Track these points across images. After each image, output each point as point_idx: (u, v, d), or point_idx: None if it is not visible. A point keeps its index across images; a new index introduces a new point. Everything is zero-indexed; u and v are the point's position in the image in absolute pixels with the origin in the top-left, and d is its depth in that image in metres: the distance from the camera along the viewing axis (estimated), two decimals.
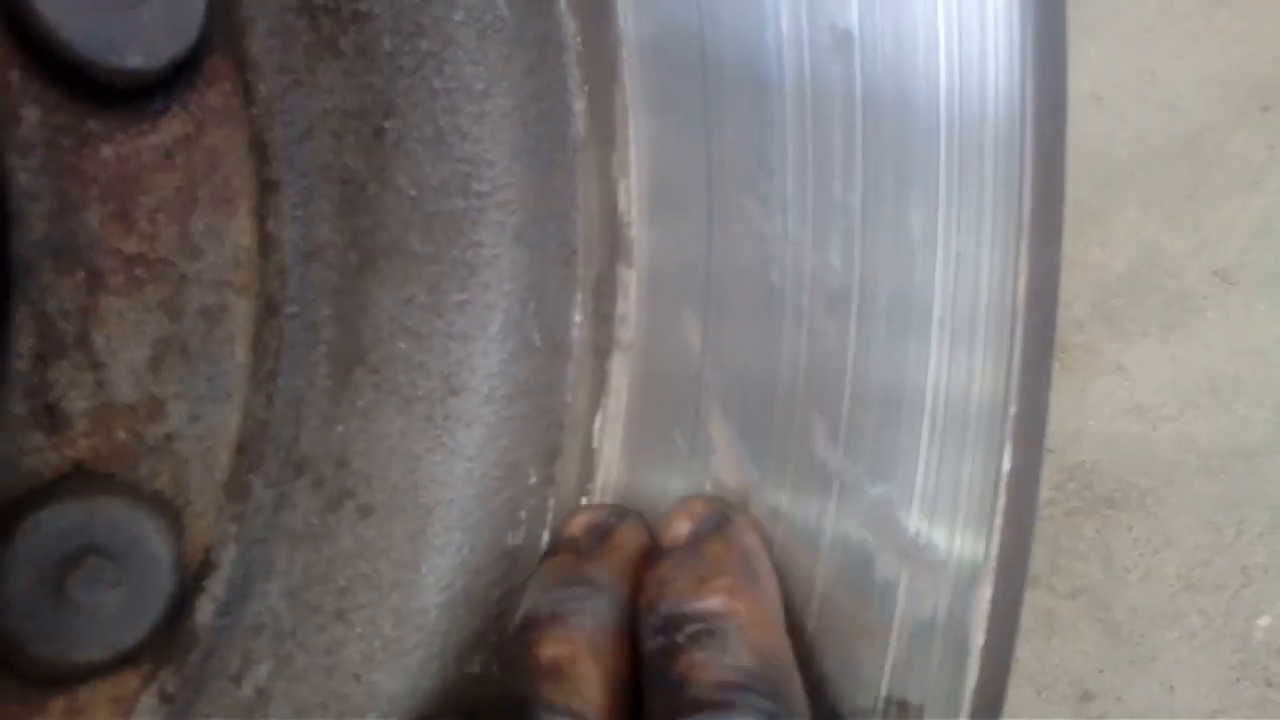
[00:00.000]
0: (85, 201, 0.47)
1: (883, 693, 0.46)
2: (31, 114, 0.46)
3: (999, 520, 0.44)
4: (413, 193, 0.54)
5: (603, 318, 0.58)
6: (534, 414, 0.57)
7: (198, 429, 0.51)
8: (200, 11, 0.46)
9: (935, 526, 0.46)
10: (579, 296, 0.57)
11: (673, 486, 0.55)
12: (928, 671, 0.45)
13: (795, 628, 0.49)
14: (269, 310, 0.53)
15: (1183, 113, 1.98)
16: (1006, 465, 0.44)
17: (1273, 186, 1.91)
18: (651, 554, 0.52)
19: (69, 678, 0.48)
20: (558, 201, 0.56)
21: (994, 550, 0.44)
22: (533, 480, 0.57)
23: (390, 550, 0.54)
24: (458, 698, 0.54)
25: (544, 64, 0.56)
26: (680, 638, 0.43)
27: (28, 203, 0.46)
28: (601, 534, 0.54)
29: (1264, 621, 1.37)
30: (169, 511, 0.50)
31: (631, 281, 0.57)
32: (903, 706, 0.45)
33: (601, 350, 0.58)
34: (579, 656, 0.45)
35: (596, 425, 0.58)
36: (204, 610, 0.51)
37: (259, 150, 0.52)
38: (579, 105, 0.56)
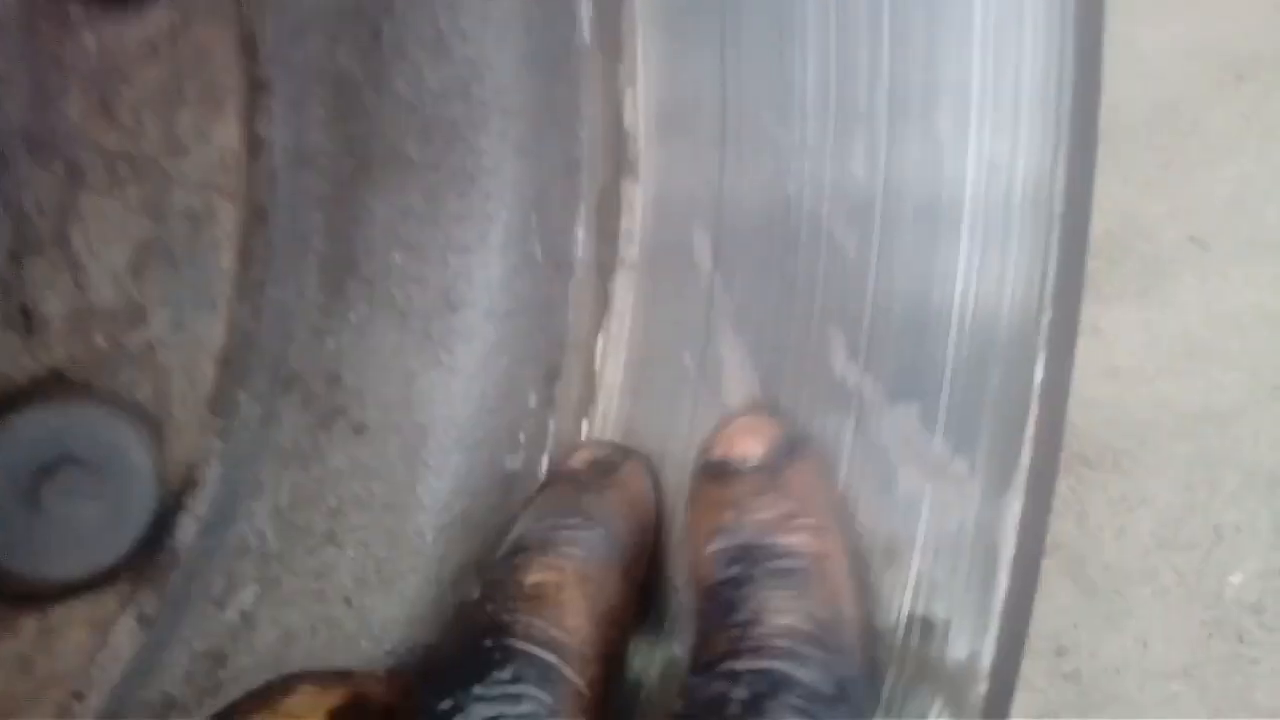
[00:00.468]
0: (65, 91, 0.44)
1: (905, 611, 0.44)
2: None
3: (1030, 430, 0.42)
4: (411, 98, 0.51)
5: (607, 235, 0.56)
6: (535, 332, 0.55)
7: (181, 338, 0.49)
8: None
9: (962, 441, 0.44)
10: (582, 211, 0.55)
11: (679, 411, 0.53)
12: (954, 587, 0.43)
13: None
14: (257, 217, 0.50)
15: (1160, 82, 1.98)
16: (1039, 376, 0.43)
17: (1248, 156, 1.91)
18: (650, 501, 0.50)
19: (43, 596, 0.45)
20: (561, 112, 0.54)
21: (1025, 462, 0.42)
22: (532, 402, 0.55)
23: (384, 470, 0.52)
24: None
25: None
26: (758, 571, 0.40)
27: (4, 89, 0.43)
28: (603, 470, 0.51)
29: (1236, 579, 1.38)
30: (150, 424, 0.47)
31: (637, 198, 0.55)
32: (927, 623, 0.44)
33: (605, 269, 0.56)
34: (566, 584, 0.43)
35: (599, 347, 0.56)
36: (186, 530, 0.49)
37: (248, 48, 0.49)
38: (586, 12, 0.53)
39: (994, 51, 0.43)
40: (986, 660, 0.43)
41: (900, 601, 0.45)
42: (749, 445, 0.46)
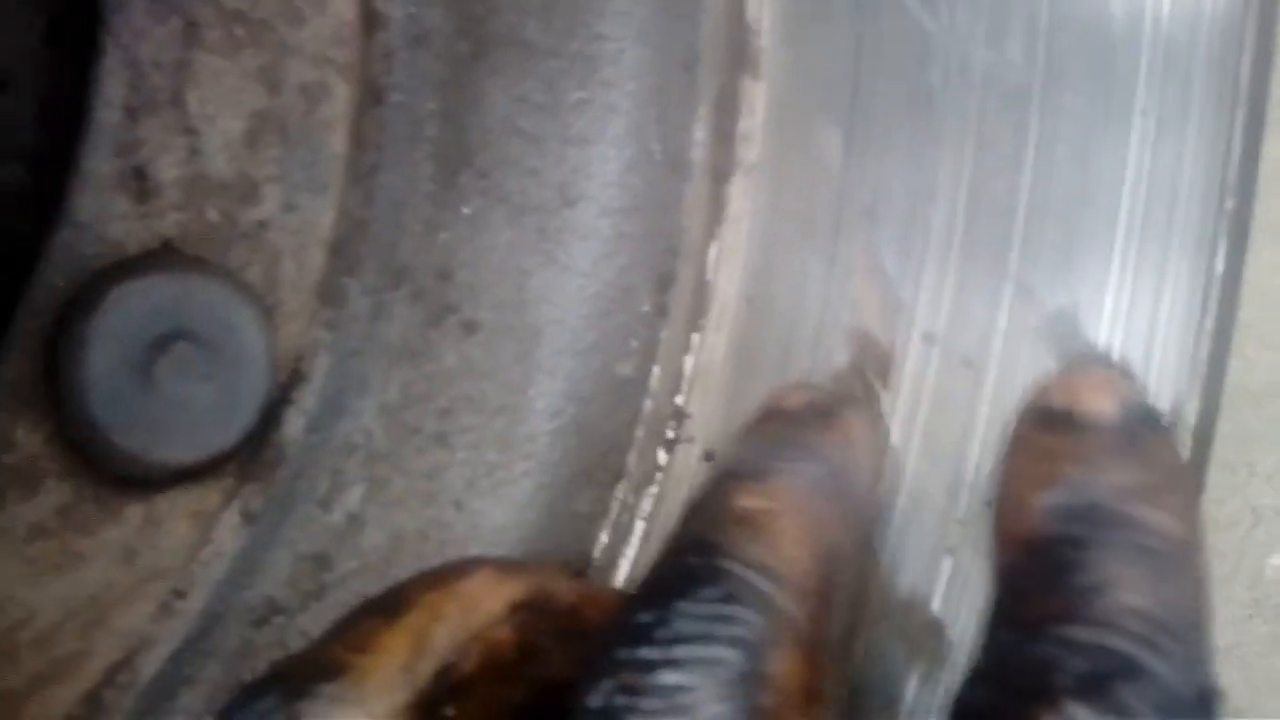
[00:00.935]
0: None
1: None
2: None
3: (1210, 324, 0.40)
4: None
5: (723, 137, 0.53)
6: (650, 234, 0.52)
7: (292, 220, 0.46)
8: None
9: (1130, 338, 0.42)
10: (701, 111, 0.52)
11: (803, 320, 0.51)
12: None
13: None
14: (371, 97, 0.47)
15: None
16: (1220, 267, 0.40)
17: None
18: (878, 452, 0.44)
19: (149, 479, 0.43)
20: None
21: (1202, 360, 0.40)
22: (645, 308, 0.52)
23: (496, 371, 0.49)
24: (567, 537, 0.50)
25: None
26: (1111, 538, 0.34)
27: None
28: (822, 413, 0.46)
29: (1276, 560, 1.36)
30: (262, 306, 0.45)
31: (758, 96, 0.52)
32: None
33: (721, 173, 0.53)
34: (781, 513, 0.39)
35: (712, 255, 0.54)
36: (293, 424, 0.46)
37: None
38: None
39: None
40: None
41: None
42: (1101, 401, 0.39)
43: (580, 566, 0.50)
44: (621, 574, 0.51)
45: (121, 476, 0.42)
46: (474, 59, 0.49)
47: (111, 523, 0.42)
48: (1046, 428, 0.38)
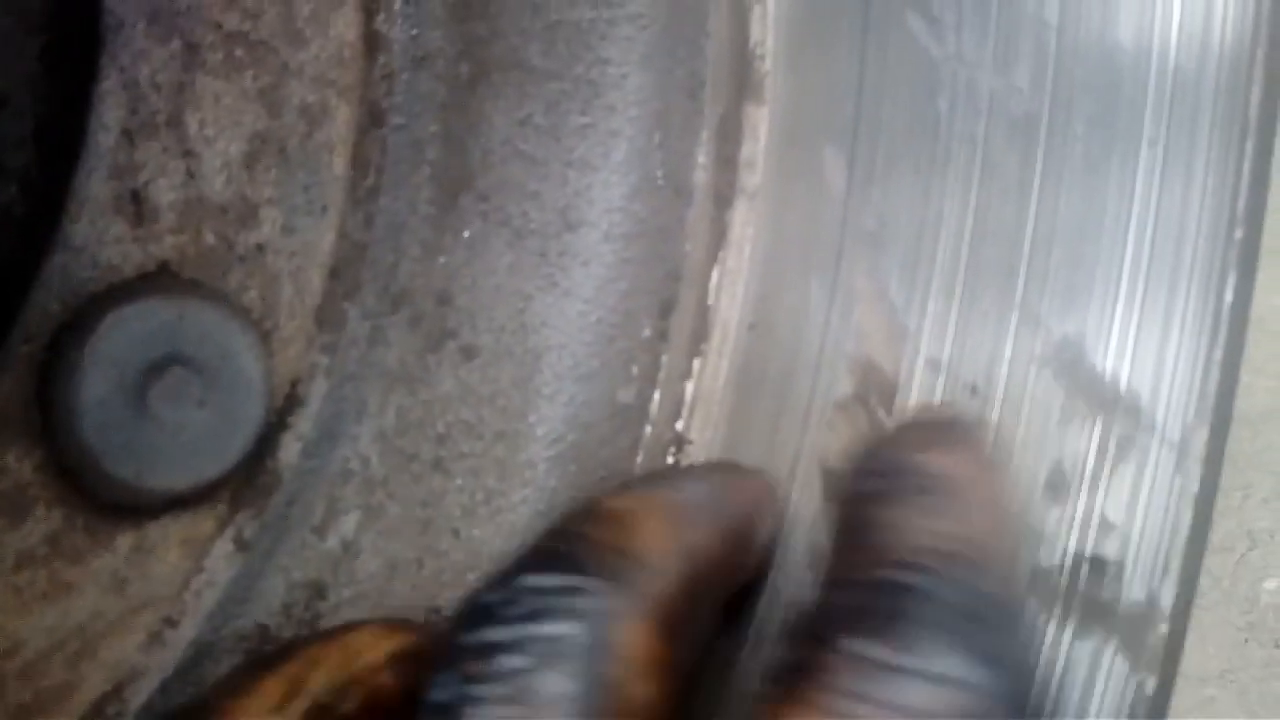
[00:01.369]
0: None
1: (1072, 549, 0.41)
2: None
3: (1219, 354, 0.40)
4: None
5: (727, 162, 0.53)
6: (652, 259, 0.51)
7: (291, 243, 0.45)
8: None
9: (1140, 366, 0.41)
10: (704, 136, 0.52)
11: (805, 344, 0.50)
12: (1130, 526, 0.40)
13: None
14: (372, 119, 0.47)
15: None
16: (1229, 297, 0.40)
17: (1275, 162, 1.90)
18: (766, 489, 0.47)
19: (141, 506, 0.42)
20: (688, 24, 0.51)
21: (1212, 388, 0.40)
22: (647, 333, 0.52)
23: (495, 397, 0.49)
24: None
25: None
26: (893, 488, 0.37)
27: None
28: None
29: (1271, 585, 1.36)
30: (258, 331, 0.44)
31: (761, 122, 0.52)
32: (1097, 563, 0.41)
33: (723, 198, 0.53)
34: (650, 513, 0.39)
35: (714, 280, 0.53)
36: (288, 450, 0.45)
37: None
38: None
39: None
40: (1168, 602, 0.40)
41: (1067, 540, 0.42)
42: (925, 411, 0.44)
43: None
44: None
45: (113, 504, 0.41)
46: (476, 82, 0.49)
47: (102, 551, 0.41)
48: (870, 441, 0.42)
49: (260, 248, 0.44)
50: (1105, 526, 0.41)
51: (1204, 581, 1.42)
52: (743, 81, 0.52)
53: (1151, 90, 0.42)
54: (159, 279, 0.41)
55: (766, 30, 0.51)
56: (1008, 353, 0.44)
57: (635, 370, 0.51)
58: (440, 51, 0.48)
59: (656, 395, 0.52)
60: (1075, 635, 0.41)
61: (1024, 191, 0.45)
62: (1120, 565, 0.40)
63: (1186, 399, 0.40)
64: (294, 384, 0.46)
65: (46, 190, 0.40)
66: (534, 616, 0.32)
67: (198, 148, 0.42)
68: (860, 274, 0.49)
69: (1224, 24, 0.40)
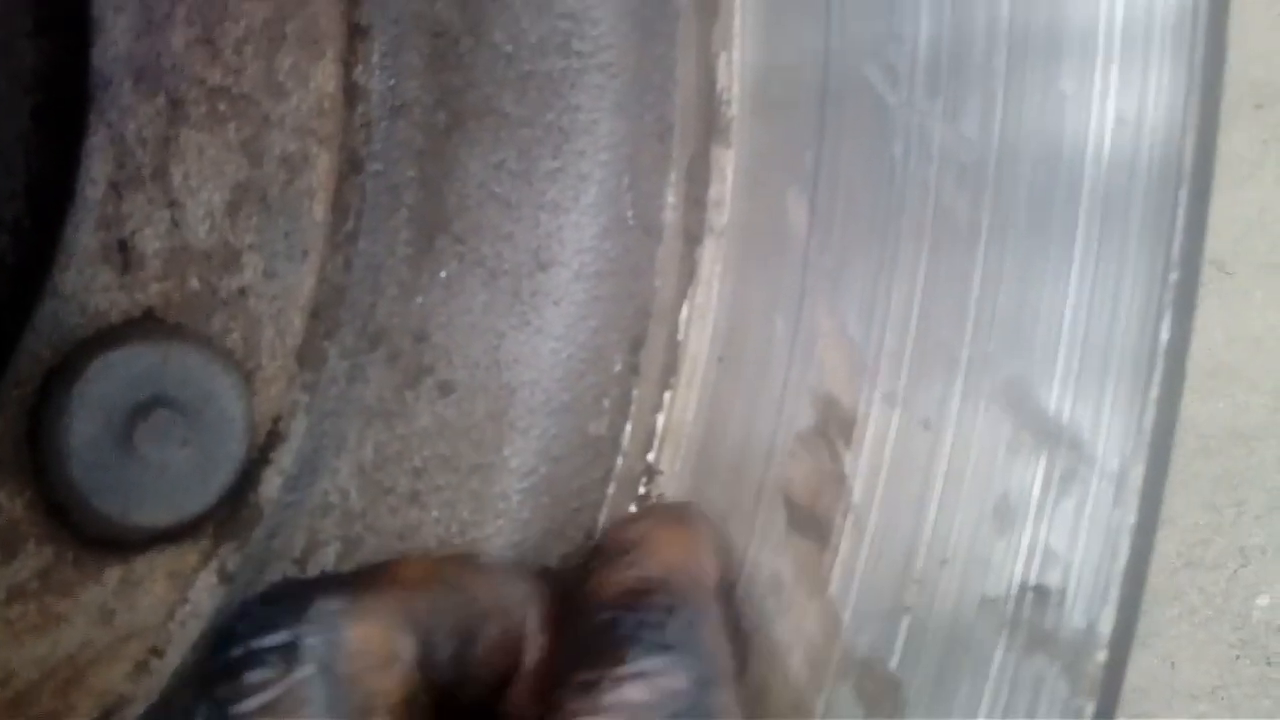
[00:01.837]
0: (171, 21, 0.43)
1: (1018, 579, 0.43)
2: None
3: (1155, 392, 0.41)
4: (509, 49, 0.50)
5: (695, 202, 0.54)
6: (622, 297, 0.53)
7: (272, 287, 0.47)
8: None
9: (1081, 402, 0.43)
10: (673, 177, 0.54)
11: (769, 379, 0.52)
12: (1072, 555, 0.42)
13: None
14: (351, 166, 0.49)
15: None
16: (1165, 335, 0.42)
17: (1267, 180, 1.92)
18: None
19: (128, 541, 0.44)
20: (657, 72, 0.53)
21: (1148, 424, 0.41)
22: (618, 368, 0.53)
23: (470, 431, 0.50)
24: None
25: None
26: (593, 564, 0.47)
27: (111, 13, 0.42)
28: None
29: (1263, 601, 1.37)
30: (241, 373, 0.46)
31: (728, 164, 0.54)
32: (1041, 592, 0.42)
33: (692, 236, 0.55)
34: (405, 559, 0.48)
35: (683, 316, 0.55)
36: (270, 484, 0.47)
37: None
38: None
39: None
40: (1106, 629, 0.42)
41: (1013, 570, 0.44)
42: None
43: None
44: None
45: (101, 539, 0.43)
46: (452, 129, 0.51)
47: (90, 584, 0.43)
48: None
49: (243, 292, 0.46)
50: (1049, 556, 0.43)
51: (1196, 598, 1.44)
52: (711, 125, 0.54)
53: (1091, 138, 0.44)
54: (145, 324, 0.43)
55: (733, 77, 0.53)
56: (958, 389, 0.46)
57: (606, 404, 0.53)
58: (417, 100, 0.50)
59: (628, 427, 0.54)
60: (1020, 661, 0.42)
61: (973, 234, 0.47)
62: (1063, 593, 0.42)
63: (1124, 434, 0.42)
64: (276, 421, 0.48)
65: (38, 241, 0.42)
66: (269, 628, 0.37)
67: (182, 198, 0.44)
68: (821, 311, 0.51)
69: (1160, 69, 0.42)
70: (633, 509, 0.53)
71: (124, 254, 0.43)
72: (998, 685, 0.43)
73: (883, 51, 0.48)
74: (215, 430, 0.44)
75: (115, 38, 0.42)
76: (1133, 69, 0.42)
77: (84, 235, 0.42)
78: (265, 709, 0.35)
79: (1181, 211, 0.42)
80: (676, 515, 0.51)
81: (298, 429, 0.48)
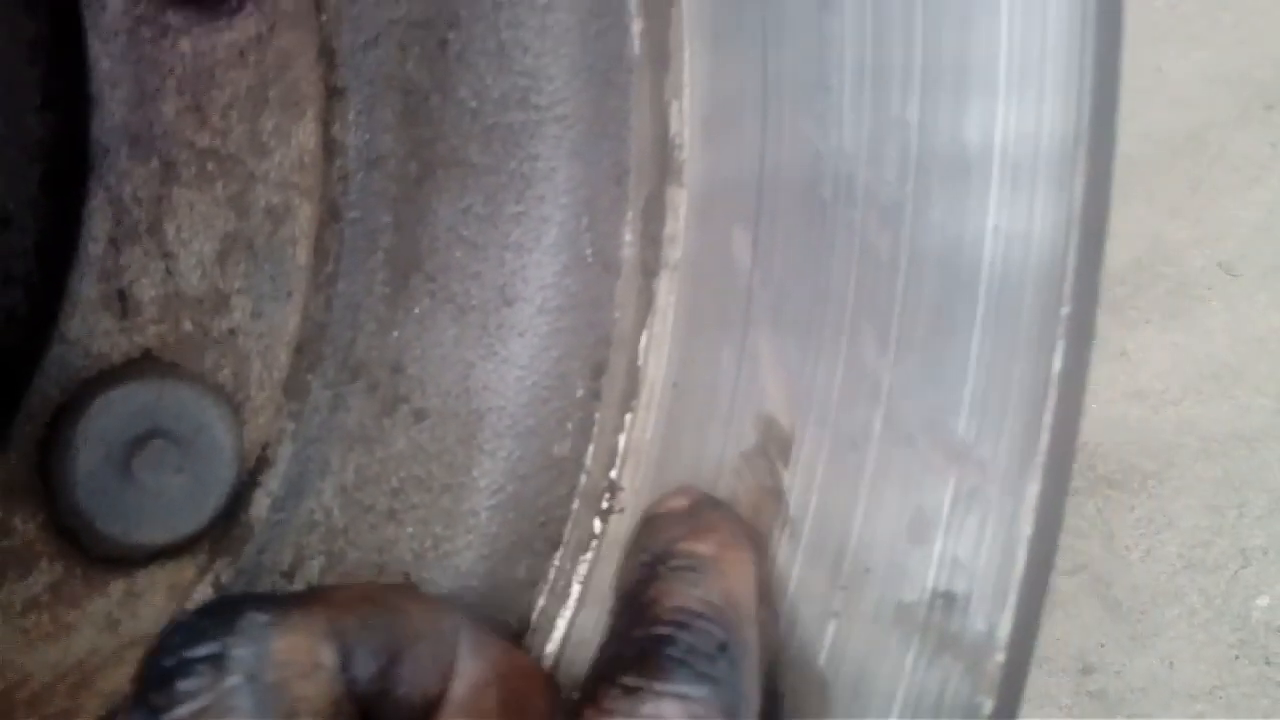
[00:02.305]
0: (163, 92, 0.48)
1: (929, 586, 0.47)
2: (115, 2, 0.47)
3: (1048, 418, 0.45)
4: (473, 104, 0.55)
5: (651, 239, 0.59)
6: (583, 328, 0.58)
7: (260, 326, 0.52)
8: None
9: (985, 427, 0.47)
10: (630, 216, 0.59)
11: (718, 404, 0.56)
12: (975, 564, 0.46)
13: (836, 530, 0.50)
14: (331, 214, 0.54)
15: (1187, 109, 2.01)
16: (1057, 365, 0.46)
17: (1274, 182, 1.93)
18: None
19: (130, 559, 0.49)
20: (612, 120, 0.58)
21: (1043, 445, 0.45)
22: (580, 393, 0.58)
23: (442, 454, 0.55)
24: (508, 602, 0.55)
25: None
26: (662, 569, 0.48)
27: (108, 88, 0.47)
28: None
29: (1263, 602, 1.39)
30: (231, 404, 0.51)
31: (681, 203, 0.59)
32: (949, 598, 0.47)
33: (649, 270, 0.59)
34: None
35: (642, 343, 0.59)
36: (260, 505, 0.53)
37: (327, 55, 0.53)
38: (637, 26, 0.57)
39: (1020, 52, 0.47)
40: (1004, 632, 0.46)
41: (926, 577, 0.48)
42: (674, 501, 0.54)
43: (520, 629, 0.56)
44: (559, 634, 0.57)
45: (105, 557, 0.48)
46: (423, 178, 0.56)
47: (97, 596, 0.49)
48: (644, 526, 0.53)
49: (232, 331, 0.52)
50: (956, 565, 0.47)
51: (1196, 599, 1.46)
52: (665, 168, 0.59)
53: (995, 175, 0.48)
54: (142, 364, 0.49)
55: (684, 124, 0.58)
56: (881, 414, 0.50)
57: (570, 426, 0.58)
58: (391, 153, 0.55)
59: (591, 448, 0.59)
60: (930, 662, 0.47)
61: (893, 270, 0.51)
62: (968, 599, 0.46)
63: (1022, 456, 0.46)
64: (264, 447, 0.53)
65: (45, 293, 0.48)
66: (200, 639, 0.40)
67: (175, 249, 0.50)
68: (763, 340, 0.55)
69: (1052, 114, 0.46)
70: (680, 500, 0.54)
71: (123, 302, 0.48)
72: (910, 684, 0.47)
73: (813, 100, 0.53)
74: (207, 458, 0.50)
75: (112, 110, 0.47)
76: (1026, 123, 0.46)
77: (87, 286, 0.47)
78: (196, 715, 0.38)
79: (1073, 249, 0.46)
80: (746, 535, 0.52)
81: (284, 454, 0.53)
